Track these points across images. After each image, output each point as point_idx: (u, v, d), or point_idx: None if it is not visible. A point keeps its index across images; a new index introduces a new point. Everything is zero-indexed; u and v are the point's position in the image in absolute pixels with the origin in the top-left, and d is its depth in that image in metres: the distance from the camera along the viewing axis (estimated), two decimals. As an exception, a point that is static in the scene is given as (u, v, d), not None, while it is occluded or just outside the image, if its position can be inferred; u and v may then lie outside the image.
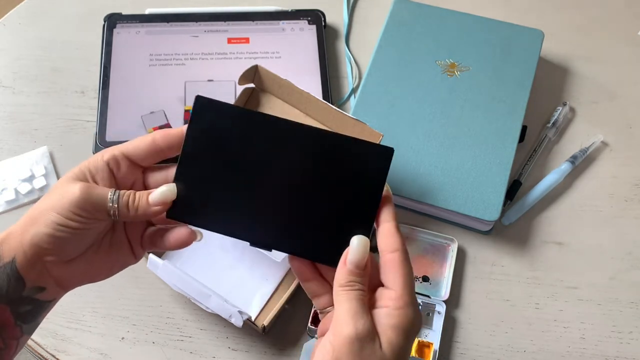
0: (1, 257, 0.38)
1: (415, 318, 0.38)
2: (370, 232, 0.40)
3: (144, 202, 0.41)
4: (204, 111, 0.42)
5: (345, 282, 0.38)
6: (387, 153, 0.41)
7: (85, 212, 0.39)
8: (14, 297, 0.38)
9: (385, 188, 0.41)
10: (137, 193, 0.41)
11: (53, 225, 0.38)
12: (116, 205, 0.40)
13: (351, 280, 0.38)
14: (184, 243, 0.43)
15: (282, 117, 0.42)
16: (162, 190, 0.41)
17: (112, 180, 0.42)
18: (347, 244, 0.40)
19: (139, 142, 0.42)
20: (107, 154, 0.41)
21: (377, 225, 0.40)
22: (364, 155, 0.41)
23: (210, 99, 0.42)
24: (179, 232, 0.43)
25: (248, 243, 0.42)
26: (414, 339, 0.39)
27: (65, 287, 0.41)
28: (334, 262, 0.40)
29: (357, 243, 0.39)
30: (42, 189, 0.67)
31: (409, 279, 0.39)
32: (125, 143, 0.42)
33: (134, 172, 0.43)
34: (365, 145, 0.41)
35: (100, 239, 0.42)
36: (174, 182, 0.42)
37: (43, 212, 0.38)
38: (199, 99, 0.42)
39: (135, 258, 0.44)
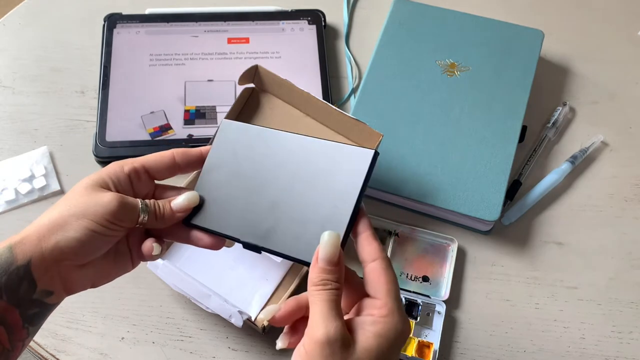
0: (15, 259, 0.38)
1: (402, 325, 0.37)
2: (345, 230, 0.40)
3: (169, 210, 0.44)
4: (227, 132, 0.47)
5: (318, 280, 0.37)
6: (369, 156, 0.42)
7: (118, 221, 0.41)
8: (24, 299, 0.39)
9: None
10: (159, 202, 0.44)
11: (85, 231, 0.40)
12: (146, 215, 0.43)
13: (324, 279, 0.37)
14: (211, 247, 0.46)
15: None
16: (187, 196, 0.45)
17: (132, 192, 0.44)
18: (315, 242, 0.40)
19: (159, 158, 0.45)
20: (128, 165, 0.44)
21: (355, 237, 0.40)
22: (349, 159, 0.42)
23: (232, 122, 0.48)
24: (204, 239, 0.46)
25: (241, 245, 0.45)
26: (400, 347, 0.38)
27: (69, 291, 0.42)
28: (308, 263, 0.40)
29: (327, 239, 0.38)
30: (42, 189, 0.67)
31: (393, 286, 0.38)
32: (145, 156, 0.45)
33: (149, 184, 0.46)
34: (348, 149, 0.43)
35: (113, 247, 0.44)
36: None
37: (73, 217, 0.40)
38: (225, 123, 0.48)
39: (132, 266, 0.46)
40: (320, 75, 0.74)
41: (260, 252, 0.44)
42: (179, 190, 0.47)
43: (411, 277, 0.61)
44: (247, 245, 0.44)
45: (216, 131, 0.48)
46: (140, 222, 0.43)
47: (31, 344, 0.57)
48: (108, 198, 0.41)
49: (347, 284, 0.40)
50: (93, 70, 0.75)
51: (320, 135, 0.61)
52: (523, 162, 0.69)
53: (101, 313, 0.59)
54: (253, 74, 0.62)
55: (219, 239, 0.45)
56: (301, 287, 0.59)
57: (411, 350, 0.56)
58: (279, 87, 0.62)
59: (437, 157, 0.65)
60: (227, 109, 0.64)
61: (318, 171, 0.43)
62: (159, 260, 0.56)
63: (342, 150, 0.43)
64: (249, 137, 0.47)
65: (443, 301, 0.59)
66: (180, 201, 0.45)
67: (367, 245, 0.40)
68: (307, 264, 0.41)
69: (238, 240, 0.45)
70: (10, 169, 0.68)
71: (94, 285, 0.44)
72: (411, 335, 0.57)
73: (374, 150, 0.41)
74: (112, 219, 0.41)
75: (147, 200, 0.43)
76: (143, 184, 0.45)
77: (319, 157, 0.43)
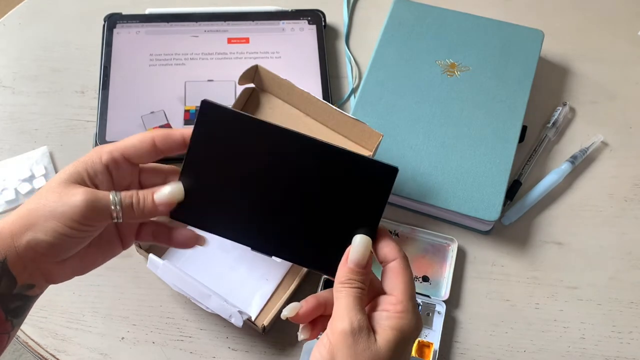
0: None
1: (415, 323, 0.39)
2: (372, 239, 0.41)
3: (150, 202, 0.41)
4: (209, 116, 0.42)
5: (345, 279, 0.39)
6: (391, 172, 0.41)
7: (89, 221, 0.38)
8: (5, 295, 0.38)
9: None
10: (140, 193, 0.41)
11: (54, 234, 0.38)
12: (119, 208, 0.39)
13: (351, 278, 0.39)
14: (188, 244, 0.44)
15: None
16: (170, 190, 0.41)
17: (111, 182, 0.41)
18: (331, 252, 0.41)
19: (139, 143, 0.41)
20: (105, 155, 0.40)
21: (374, 239, 0.41)
22: (369, 172, 0.41)
23: (216, 104, 0.42)
24: (185, 233, 0.44)
25: (249, 248, 0.43)
26: (412, 344, 0.40)
27: (54, 282, 0.41)
28: (332, 272, 0.41)
29: (359, 242, 0.40)
30: (42, 189, 0.67)
31: (410, 286, 0.39)
32: (123, 142, 0.41)
33: (132, 172, 0.42)
34: (371, 163, 0.41)
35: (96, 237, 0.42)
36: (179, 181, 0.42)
37: (42, 218, 0.38)
38: (204, 103, 0.42)
39: (124, 248, 0.44)
40: (320, 75, 0.74)
41: (271, 256, 0.44)
42: (166, 174, 0.44)
43: (411, 277, 0.61)
44: (258, 249, 0.43)
45: (196, 113, 0.42)
46: (115, 216, 0.40)
47: (31, 343, 0.57)
48: (77, 198, 0.38)
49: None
50: (93, 70, 0.75)
51: (320, 135, 0.61)
52: (523, 162, 0.69)
53: (101, 313, 0.59)
54: (253, 74, 0.62)
55: (197, 237, 0.44)
56: (301, 287, 0.59)
57: (410, 353, 0.56)
58: (279, 87, 0.62)
59: (437, 157, 0.65)
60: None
61: (334, 180, 0.42)
62: (159, 260, 0.56)
63: (363, 162, 0.42)
64: (238, 127, 0.42)
65: (443, 301, 0.59)
66: (162, 195, 0.41)
67: (386, 245, 0.41)
68: (327, 273, 0.42)
69: (247, 244, 0.43)
70: (11, 169, 0.68)
71: (81, 273, 0.42)
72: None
73: (396, 168, 0.41)
74: (82, 220, 0.38)
75: (123, 194, 0.40)
76: (124, 172, 0.42)
77: (334, 165, 0.42)
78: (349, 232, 0.41)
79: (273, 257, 0.56)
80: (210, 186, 0.42)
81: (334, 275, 0.40)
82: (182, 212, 0.42)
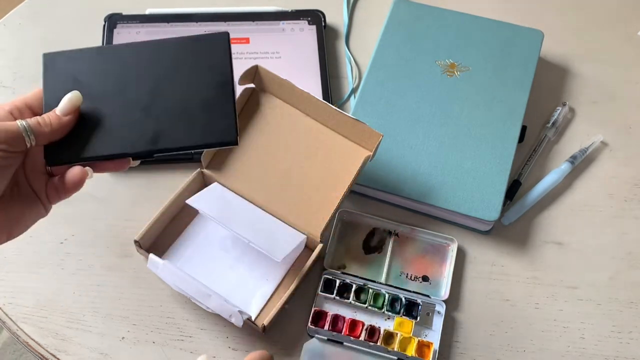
0: None
1: None
2: (234, 106, 0.48)
3: (54, 116, 0.45)
4: (53, 64, 0.49)
5: None
6: (224, 36, 0.48)
7: (3, 145, 0.42)
8: None
9: None
10: (43, 115, 0.45)
11: None
12: (29, 129, 0.43)
13: None
14: (79, 181, 0.46)
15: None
16: (68, 97, 0.46)
17: None
18: (213, 124, 0.47)
19: (38, 92, 0.48)
20: (7, 105, 0.46)
21: None
22: (206, 45, 0.48)
23: (55, 52, 0.49)
24: (72, 172, 0.46)
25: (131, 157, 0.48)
26: None
27: None
28: (218, 137, 0.47)
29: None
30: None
31: None
32: (27, 94, 0.47)
33: None
34: (202, 37, 0.49)
35: (10, 189, 0.45)
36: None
37: None
38: (45, 56, 0.49)
39: (45, 211, 0.48)
40: (320, 75, 0.74)
41: (153, 157, 0.49)
42: None
43: (411, 277, 0.61)
44: (139, 156, 0.47)
45: (43, 69, 0.49)
46: (30, 142, 0.43)
47: (31, 343, 0.57)
48: None
49: None
50: (93, 71, 0.75)
51: (320, 135, 0.61)
52: (523, 162, 0.69)
53: (101, 313, 0.59)
54: (253, 74, 0.62)
55: (82, 171, 0.46)
56: (301, 287, 0.59)
57: (411, 350, 0.56)
58: (279, 87, 0.62)
59: (437, 157, 0.65)
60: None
61: (178, 67, 0.48)
62: (159, 260, 0.56)
63: (194, 41, 0.48)
64: (82, 62, 0.49)
65: (443, 301, 0.59)
66: (62, 105, 0.46)
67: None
68: (209, 146, 0.48)
69: (125, 155, 0.46)
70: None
71: (10, 233, 0.45)
72: (411, 334, 0.57)
73: (225, 32, 0.48)
74: None
75: (28, 119, 0.44)
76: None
77: (172, 55, 0.48)
78: (212, 98, 0.47)
79: (273, 253, 0.56)
80: (79, 123, 0.47)
81: (202, 145, 0.47)
82: (57, 156, 0.46)
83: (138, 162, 0.51)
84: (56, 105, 0.46)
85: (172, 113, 0.47)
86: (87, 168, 0.47)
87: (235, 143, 0.48)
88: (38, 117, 0.45)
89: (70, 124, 0.46)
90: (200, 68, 0.48)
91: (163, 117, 0.47)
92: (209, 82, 0.48)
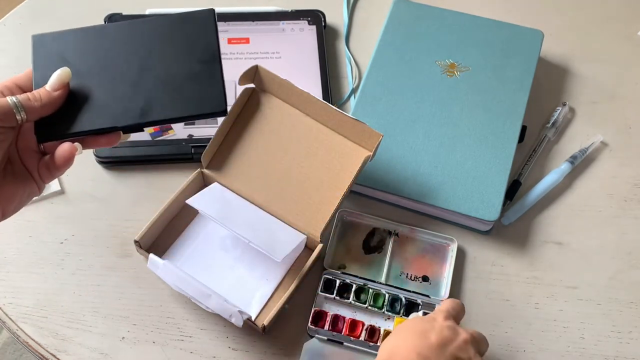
0: None
1: (419, 324, 0.49)
2: (221, 79, 0.49)
3: (44, 91, 0.46)
4: (42, 44, 0.49)
5: None
6: (209, 13, 0.50)
7: None
8: None
9: None
10: (34, 91, 0.46)
11: None
12: (19, 104, 0.44)
13: None
14: (69, 156, 0.47)
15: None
16: (57, 72, 0.46)
17: None
18: (202, 95, 0.48)
19: (29, 73, 0.49)
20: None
21: None
22: (193, 21, 0.49)
23: (43, 33, 0.50)
24: (62, 148, 0.47)
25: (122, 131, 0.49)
26: (410, 329, 0.48)
27: None
28: (208, 107, 0.48)
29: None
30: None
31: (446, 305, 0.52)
32: (17, 75, 0.48)
33: None
34: (188, 14, 0.50)
35: (3, 167, 0.45)
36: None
37: None
38: (34, 37, 0.50)
39: (39, 190, 0.49)
40: (320, 75, 0.74)
41: (143, 130, 0.49)
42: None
43: (411, 277, 0.61)
44: (129, 129, 0.48)
45: (32, 49, 0.50)
46: (21, 117, 0.44)
47: (31, 343, 0.57)
48: None
49: None
50: (93, 71, 0.75)
51: (320, 135, 0.61)
52: (523, 162, 0.69)
53: (101, 313, 0.59)
54: (253, 74, 0.62)
55: (71, 147, 0.47)
56: (301, 287, 0.59)
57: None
58: (279, 87, 0.62)
59: (437, 157, 0.65)
60: (227, 109, 0.64)
61: (165, 43, 0.48)
62: (159, 260, 0.56)
63: (181, 18, 0.49)
64: (70, 42, 0.49)
65: (443, 301, 0.59)
66: (52, 80, 0.46)
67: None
68: (198, 117, 0.48)
69: (115, 128, 0.47)
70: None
71: (4, 214, 0.45)
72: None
73: (212, 9, 0.50)
74: None
75: (18, 95, 0.45)
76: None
77: (159, 32, 0.49)
78: (200, 71, 0.48)
79: (274, 253, 0.56)
80: (70, 100, 0.48)
81: (216, 110, 0.48)
82: (47, 132, 0.47)
83: (129, 136, 0.51)
84: (46, 84, 0.47)
85: (161, 86, 0.48)
86: (76, 144, 0.47)
87: (225, 112, 0.49)
88: (28, 93, 0.45)
89: (60, 99, 0.46)
90: (187, 43, 0.49)
91: (152, 91, 0.48)
92: (197, 56, 0.49)
